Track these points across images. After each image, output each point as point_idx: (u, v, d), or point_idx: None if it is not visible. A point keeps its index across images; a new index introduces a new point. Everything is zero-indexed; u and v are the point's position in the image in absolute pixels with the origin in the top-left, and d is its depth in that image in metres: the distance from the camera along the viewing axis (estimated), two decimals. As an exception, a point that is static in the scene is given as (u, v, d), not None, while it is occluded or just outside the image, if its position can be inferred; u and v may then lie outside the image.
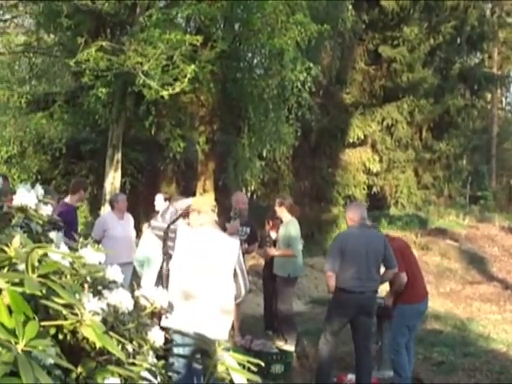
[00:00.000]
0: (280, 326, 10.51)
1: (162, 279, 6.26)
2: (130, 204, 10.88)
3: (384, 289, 9.09)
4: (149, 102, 14.51)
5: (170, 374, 2.51)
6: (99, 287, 2.25)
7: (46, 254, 1.96)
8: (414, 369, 8.59)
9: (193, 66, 13.12)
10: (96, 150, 18.88)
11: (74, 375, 1.87)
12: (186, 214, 6.21)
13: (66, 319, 1.85)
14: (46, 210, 2.54)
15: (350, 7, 19.19)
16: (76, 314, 1.84)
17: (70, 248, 2.34)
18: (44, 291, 1.80)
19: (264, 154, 17.63)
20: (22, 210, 2.42)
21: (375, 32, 25.22)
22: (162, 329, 2.48)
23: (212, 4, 14.68)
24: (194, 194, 17.77)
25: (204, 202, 6.22)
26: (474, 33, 27.02)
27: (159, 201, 9.25)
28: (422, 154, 25.87)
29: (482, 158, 35.15)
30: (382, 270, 8.20)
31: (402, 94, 24.74)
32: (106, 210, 14.25)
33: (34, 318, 1.73)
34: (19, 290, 1.74)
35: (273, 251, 10.46)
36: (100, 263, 2.32)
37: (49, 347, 1.70)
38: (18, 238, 1.97)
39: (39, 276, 1.82)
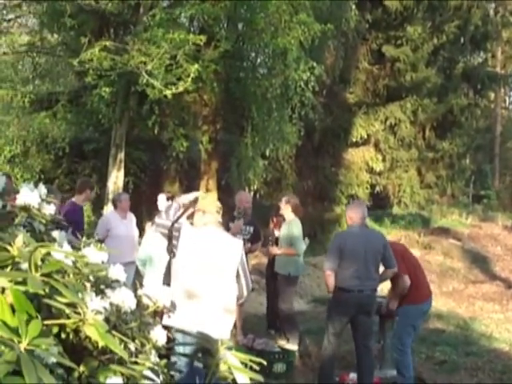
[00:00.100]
0: (282, 325, 10.52)
1: (170, 277, 6.27)
2: (133, 203, 10.88)
3: (385, 287, 9.10)
4: (152, 101, 14.51)
5: (172, 372, 2.51)
6: (102, 286, 2.26)
7: (48, 253, 1.97)
8: (416, 368, 8.59)
9: (196, 66, 13.12)
10: (99, 150, 18.88)
11: (76, 374, 1.88)
12: (190, 216, 6.20)
13: (68, 318, 1.86)
14: (49, 210, 2.55)
15: (354, 7, 19.16)
16: (79, 313, 1.85)
17: (74, 247, 2.35)
18: (47, 290, 1.80)
19: (267, 154, 17.64)
20: (25, 209, 2.42)
21: (379, 31, 25.22)
22: (165, 328, 2.49)
23: (215, 4, 14.68)
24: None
25: (209, 202, 6.22)
26: (478, 32, 27.01)
27: (162, 201, 9.25)
28: (425, 154, 25.87)
29: (485, 158, 35.14)
30: (382, 269, 8.24)
31: (406, 94, 24.73)
32: (108, 209, 14.26)
33: (37, 317, 1.73)
34: (22, 288, 1.75)
35: (275, 250, 10.47)
36: (103, 262, 2.33)
37: (51, 346, 1.71)
38: (21, 237, 1.98)
39: (42, 275, 1.83)
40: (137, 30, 14.43)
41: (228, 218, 9.83)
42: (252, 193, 16.93)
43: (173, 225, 5.93)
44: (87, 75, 13.46)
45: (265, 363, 2.47)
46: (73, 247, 2.33)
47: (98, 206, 16.41)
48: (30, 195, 2.42)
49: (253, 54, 17.58)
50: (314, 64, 15.20)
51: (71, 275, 2.06)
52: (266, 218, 12.13)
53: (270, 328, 10.96)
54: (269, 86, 15.56)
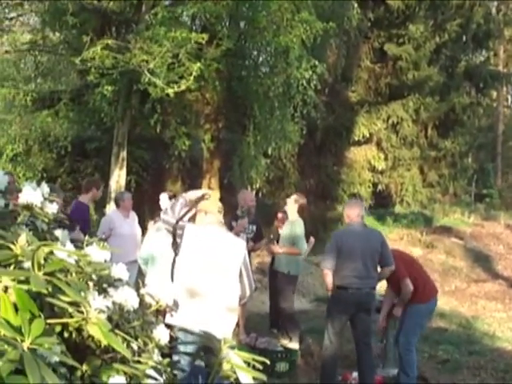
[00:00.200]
0: (283, 324, 10.52)
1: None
2: (135, 202, 10.89)
3: (384, 285, 9.10)
4: (154, 99, 14.51)
5: (175, 372, 2.51)
6: (104, 285, 2.26)
7: (51, 252, 1.97)
8: (419, 367, 8.59)
9: (198, 64, 13.12)
10: (101, 148, 18.89)
11: (79, 373, 1.88)
12: (191, 218, 6.19)
13: (71, 317, 1.86)
14: (52, 208, 2.55)
15: (356, 5, 19.17)
16: (82, 312, 1.85)
17: (77, 246, 2.35)
18: (50, 289, 1.80)
19: (269, 152, 17.63)
20: (28, 208, 2.42)
21: (381, 30, 25.20)
22: (167, 326, 2.49)
23: (217, 2, 14.67)
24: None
25: (211, 202, 6.21)
26: (480, 31, 26.98)
27: (164, 199, 9.25)
28: (428, 152, 25.85)
29: (488, 156, 35.10)
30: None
31: (408, 92, 24.71)
32: (111, 208, 14.26)
33: (40, 316, 1.73)
34: (25, 287, 1.74)
35: (277, 248, 10.46)
36: (105, 261, 2.33)
37: (54, 345, 1.71)
38: (24, 236, 1.97)
39: (45, 274, 1.82)
40: (139, 28, 14.44)
41: (231, 216, 9.83)
42: (254, 191, 16.92)
43: (177, 222, 5.92)
44: (89, 74, 13.47)
45: (268, 362, 2.46)
46: (76, 246, 2.33)
47: (100, 204, 16.40)
48: (32, 194, 2.42)
49: (255, 53, 17.59)
50: (316, 62, 15.20)
51: (74, 274, 2.06)
52: (268, 216, 12.13)
53: (272, 327, 10.96)
54: (271, 85, 15.56)
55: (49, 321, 1.77)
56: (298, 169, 23.32)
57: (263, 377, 2.31)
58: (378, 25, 24.94)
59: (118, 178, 15.90)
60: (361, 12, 20.40)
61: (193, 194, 6.35)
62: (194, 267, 5.69)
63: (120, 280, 2.36)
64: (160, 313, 2.75)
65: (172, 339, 2.61)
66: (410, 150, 25.31)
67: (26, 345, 1.61)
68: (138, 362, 2.09)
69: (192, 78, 13.03)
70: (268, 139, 16.86)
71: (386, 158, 24.64)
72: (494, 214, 26.14)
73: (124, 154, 16.16)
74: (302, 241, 10.23)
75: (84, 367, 1.90)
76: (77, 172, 19.69)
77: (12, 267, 1.88)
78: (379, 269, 8.15)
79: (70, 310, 1.83)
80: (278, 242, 10.61)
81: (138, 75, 13.29)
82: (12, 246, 1.92)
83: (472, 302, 14.63)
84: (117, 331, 1.99)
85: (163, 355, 2.41)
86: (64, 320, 1.86)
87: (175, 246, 5.98)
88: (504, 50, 35.94)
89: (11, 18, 17.75)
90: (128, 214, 10.35)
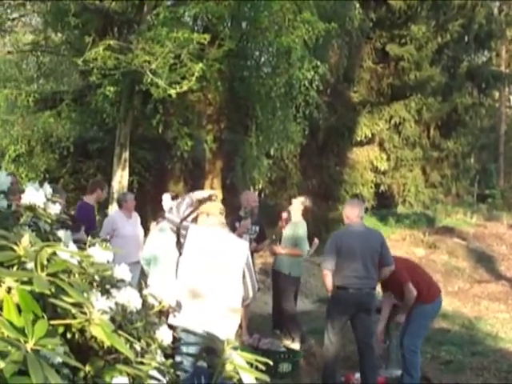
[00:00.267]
0: (285, 325, 10.54)
1: None
2: (138, 203, 10.90)
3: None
4: (156, 100, 14.52)
5: (178, 372, 2.51)
6: (107, 286, 2.25)
7: (54, 253, 1.96)
8: (422, 368, 8.59)
9: (200, 65, 13.13)
10: (104, 149, 18.90)
11: (82, 374, 1.88)
12: (193, 220, 6.19)
13: (74, 318, 1.85)
14: (55, 209, 2.54)
15: (358, 6, 19.20)
16: (85, 313, 1.84)
17: (80, 247, 2.34)
18: (53, 290, 1.80)
19: (272, 153, 17.65)
20: (31, 208, 2.42)
21: (383, 30, 25.20)
22: (170, 327, 2.48)
23: (219, 2, 14.67)
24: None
25: (212, 204, 6.22)
26: (482, 31, 26.96)
27: (166, 200, 9.26)
28: (430, 153, 25.84)
29: (490, 157, 35.09)
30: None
31: (410, 93, 24.71)
32: (113, 208, 14.27)
33: (43, 317, 1.73)
34: (28, 288, 1.74)
35: (279, 249, 10.48)
36: (108, 262, 2.33)
37: (57, 346, 1.71)
38: (27, 237, 1.97)
39: (48, 275, 1.82)
40: (141, 28, 14.44)
41: (234, 217, 9.84)
42: (257, 192, 16.92)
43: (181, 222, 5.92)
44: (91, 74, 13.48)
45: (271, 363, 2.46)
46: (78, 247, 2.33)
47: (102, 205, 16.43)
48: (35, 195, 2.41)
49: (257, 53, 17.59)
50: (318, 63, 15.20)
51: (76, 275, 2.06)
52: (270, 217, 12.13)
53: (275, 328, 10.96)
54: (273, 85, 15.56)
55: (52, 322, 1.77)
56: (300, 169, 23.32)
57: (266, 377, 2.30)
58: (379, 25, 24.94)
59: (121, 178, 15.91)
60: (363, 12, 20.40)
61: (199, 194, 6.35)
62: (197, 268, 5.69)
63: (123, 281, 2.36)
64: (163, 313, 2.75)
65: (175, 340, 2.60)
66: (413, 151, 25.30)
67: (29, 346, 1.60)
68: (141, 362, 2.09)
69: (194, 78, 13.03)
70: (270, 140, 16.87)
71: (388, 159, 24.64)
72: (497, 215, 26.14)
73: (126, 154, 16.17)
74: (304, 242, 10.25)
75: (87, 368, 1.90)
76: (79, 173, 19.71)
77: (15, 268, 1.88)
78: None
79: (73, 310, 1.83)
80: (280, 242, 10.62)
81: (140, 76, 13.30)
82: (15, 247, 1.91)
83: (475, 303, 14.63)
84: (120, 332, 1.98)
85: (166, 356, 2.41)
86: (67, 321, 1.86)
87: (179, 246, 5.98)
88: (506, 51, 35.91)
89: (13, 19, 17.76)
90: (130, 214, 10.37)
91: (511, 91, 39.07)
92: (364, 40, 24.49)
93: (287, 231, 10.41)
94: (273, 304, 11.09)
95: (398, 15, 24.77)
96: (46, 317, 1.75)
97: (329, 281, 8.05)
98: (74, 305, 1.83)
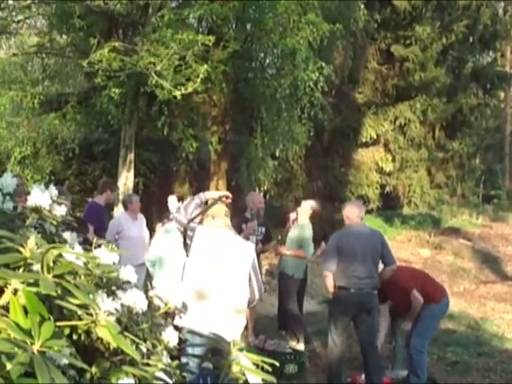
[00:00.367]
0: (290, 325, 10.55)
1: None
2: (143, 204, 10.92)
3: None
4: (161, 102, 14.52)
5: (184, 374, 2.51)
6: (113, 287, 2.26)
7: (60, 255, 1.97)
8: (428, 369, 8.58)
9: (205, 66, 13.13)
10: (109, 151, 18.90)
11: (88, 375, 1.88)
12: (201, 220, 6.18)
13: (80, 319, 1.86)
14: (60, 211, 2.55)
15: (362, 7, 19.14)
16: (91, 315, 1.85)
17: (85, 249, 2.35)
18: (59, 291, 1.80)
19: (277, 154, 17.63)
20: (37, 210, 2.42)
21: (387, 31, 25.16)
22: (176, 329, 2.49)
23: (224, 4, 14.68)
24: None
25: (218, 207, 6.21)
26: (487, 32, 26.91)
27: (172, 202, 9.26)
28: (435, 154, 25.78)
29: (495, 157, 35.04)
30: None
31: (415, 93, 24.67)
32: (118, 210, 14.28)
33: (49, 319, 1.73)
34: (34, 290, 1.74)
35: (284, 250, 10.49)
36: (114, 264, 2.33)
37: (64, 347, 1.71)
38: (33, 239, 1.97)
39: (54, 276, 1.82)
40: (146, 30, 14.44)
41: (240, 219, 9.85)
42: (262, 193, 16.90)
43: (189, 222, 5.91)
44: (96, 76, 13.49)
45: (277, 364, 2.46)
46: (85, 248, 2.33)
47: (107, 207, 16.47)
48: (40, 197, 2.42)
49: (261, 55, 17.57)
50: (323, 64, 15.19)
51: (82, 276, 2.06)
52: (276, 218, 12.12)
53: (280, 329, 10.97)
54: (278, 87, 15.55)
55: (58, 323, 1.77)
56: (305, 170, 23.29)
57: (272, 379, 2.31)
58: (384, 26, 24.90)
59: (126, 180, 15.92)
60: (367, 13, 20.36)
61: (210, 194, 6.34)
62: (203, 269, 5.69)
63: (128, 282, 2.36)
64: (169, 315, 2.75)
65: (181, 341, 2.60)
66: (418, 152, 25.25)
67: (35, 347, 1.61)
68: (147, 364, 2.09)
69: (199, 80, 13.03)
70: (275, 141, 16.86)
71: (393, 160, 24.60)
72: (503, 215, 26.10)
73: (131, 156, 16.18)
74: (309, 245, 10.27)
75: (93, 369, 1.90)
76: (84, 174, 19.73)
77: (21, 270, 1.88)
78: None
79: (79, 312, 1.84)
80: (285, 243, 10.64)
81: (145, 77, 13.30)
82: (21, 249, 1.92)
83: (481, 304, 14.61)
84: (126, 333, 1.99)
85: (172, 357, 2.41)
86: (73, 322, 1.86)
87: (186, 247, 5.98)
88: (511, 51, 35.85)
89: (18, 21, 17.78)
90: (136, 216, 10.39)
91: (516, 91, 39.03)
92: (369, 41, 24.44)
93: (293, 233, 10.41)
94: (278, 305, 11.10)
95: (403, 16, 24.72)
96: (52, 318, 1.75)
97: (330, 282, 8.07)
98: (80, 306, 1.83)
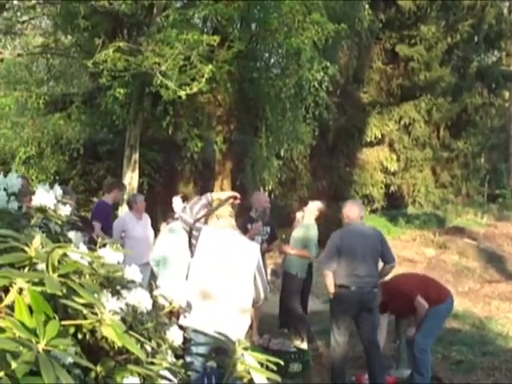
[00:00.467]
0: (294, 325, 10.56)
1: None
2: (148, 204, 10.93)
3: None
4: (166, 102, 14.53)
5: (189, 373, 2.52)
6: (118, 287, 2.26)
7: (65, 254, 1.97)
8: (432, 368, 8.58)
9: (210, 66, 13.14)
10: (113, 151, 18.93)
11: (93, 374, 1.89)
12: (205, 220, 6.17)
13: (85, 319, 1.86)
14: (65, 211, 2.56)
15: (367, 6, 19.12)
16: (96, 314, 1.85)
17: (90, 248, 2.35)
18: (64, 291, 1.81)
19: (281, 154, 17.64)
20: (41, 210, 2.43)
21: (392, 31, 25.12)
22: (181, 328, 2.49)
23: (229, 4, 14.70)
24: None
25: (223, 207, 6.21)
26: (492, 31, 26.86)
27: (177, 203, 9.27)
28: (440, 153, 25.74)
29: (500, 157, 34.94)
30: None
31: (420, 93, 24.63)
32: (123, 210, 14.30)
33: (54, 318, 1.74)
34: (39, 289, 1.75)
35: (288, 249, 10.50)
36: (118, 263, 2.34)
37: (69, 346, 1.72)
38: (38, 238, 1.98)
39: (59, 276, 1.83)
40: (150, 30, 14.46)
41: (245, 219, 9.85)
42: (266, 193, 16.92)
43: (194, 223, 5.91)
44: (101, 76, 13.52)
45: (282, 363, 2.47)
46: (89, 248, 2.34)
47: (112, 206, 16.50)
48: (45, 196, 2.43)
49: (266, 55, 17.59)
50: (328, 64, 15.20)
51: (87, 276, 2.07)
52: (280, 218, 12.12)
53: (282, 327, 10.99)
54: (282, 86, 15.56)
55: (63, 322, 1.78)
56: (310, 170, 23.28)
57: (278, 378, 2.31)
58: (389, 26, 24.87)
59: (131, 180, 15.94)
60: (372, 13, 20.34)
61: (217, 195, 6.33)
62: (208, 269, 5.70)
63: (133, 282, 2.37)
64: (173, 314, 2.75)
65: (185, 341, 2.61)
66: (423, 151, 25.21)
67: (40, 346, 1.61)
68: (152, 363, 2.10)
69: (204, 80, 13.05)
70: (280, 141, 16.87)
71: (398, 159, 24.57)
72: (507, 215, 26.01)
73: (136, 156, 16.20)
74: (314, 246, 10.28)
75: (98, 368, 1.91)
76: (89, 174, 19.77)
77: (26, 269, 1.89)
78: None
79: (84, 311, 1.84)
80: (289, 242, 10.66)
81: (150, 77, 13.32)
82: (26, 249, 1.92)
83: (485, 303, 14.57)
84: (130, 333, 1.99)
85: (177, 356, 2.42)
86: (78, 322, 1.87)
87: (191, 247, 5.98)
88: (516, 50, 35.78)
89: (23, 22, 17.83)
90: (141, 216, 10.41)
91: (521, 91, 38.95)
92: (373, 41, 24.41)
93: (297, 233, 10.42)
94: (280, 303, 11.10)
95: (408, 16, 24.69)
96: (57, 317, 1.76)
97: (330, 281, 8.10)
98: (85, 305, 1.84)
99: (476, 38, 26.88)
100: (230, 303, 5.61)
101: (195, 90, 13.19)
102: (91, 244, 2.52)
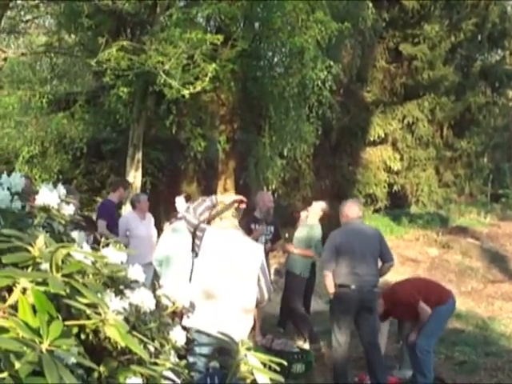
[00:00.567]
0: (296, 325, 10.56)
1: None
2: (151, 204, 10.93)
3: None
4: (169, 101, 14.54)
5: (192, 373, 2.52)
6: (121, 287, 2.26)
7: (69, 254, 1.97)
8: (435, 368, 8.58)
9: (213, 65, 13.14)
10: (117, 150, 18.94)
11: (96, 374, 1.89)
12: (208, 221, 6.15)
13: (89, 319, 1.86)
14: (68, 210, 2.55)
15: (371, 5, 19.09)
16: (99, 314, 1.85)
17: (94, 248, 2.35)
18: (67, 291, 1.81)
19: (285, 153, 17.62)
20: (45, 209, 2.43)
21: (396, 30, 25.10)
22: (184, 328, 2.49)
23: (232, 3, 14.69)
24: (214, 194, 17.78)
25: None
26: (495, 30, 26.80)
27: (180, 203, 9.27)
28: (443, 152, 25.70)
29: (504, 156, 34.89)
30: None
31: (423, 92, 24.60)
32: (126, 209, 14.31)
33: (58, 318, 1.74)
34: (43, 289, 1.75)
35: (292, 248, 10.50)
36: (122, 263, 2.33)
37: (72, 347, 1.71)
38: (42, 238, 1.98)
39: (63, 275, 1.83)
40: (154, 29, 14.46)
41: (249, 219, 9.83)
42: (270, 192, 16.94)
43: (199, 224, 5.90)
44: (105, 75, 13.52)
45: (285, 363, 2.47)
46: (92, 248, 2.34)
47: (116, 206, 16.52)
48: (49, 196, 2.42)
49: (270, 53, 17.58)
50: (331, 63, 15.20)
51: (91, 275, 2.07)
52: (283, 217, 12.11)
53: (279, 326, 10.99)
54: (286, 85, 15.56)
55: (66, 322, 1.78)
56: (313, 169, 23.26)
57: (281, 378, 2.31)
58: (392, 25, 24.85)
59: (134, 179, 15.94)
60: (376, 12, 20.31)
61: (222, 198, 6.30)
62: (212, 269, 5.70)
63: (136, 281, 2.37)
64: (176, 314, 2.75)
65: (188, 341, 2.61)
66: (426, 150, 25.19)
67: (44, 346, 1.61)
68: (155, 363, 2.10)
69: (207, 79, 13.05)
70: (283, 140, 16.86)
71: (401, 159, 24.55)
72: (511, 214, 26.02)
73: (139, 155, 16.20)
74: (320, 245, 10.27)
75: (101, 368, 1.90)
76: (92, 174, 19.79)
77: (30, 269, 1.89)
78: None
79: (88, 311, 1.84)
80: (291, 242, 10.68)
81: (154, 76, 13.32)
82: (30, 248, 1.92)
83: (488, 303, 14.56)
84: (134, 333, 1.99)
85: (180, 357, 2.42)
86: (81, 322, 1.87)
87: (195, 247, 5.97)
88: (520, 50, 35.73)
89: (27, 21, 17.85)
90: (144, 215, 10.42)
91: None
92: (377, 40, 24.38)
93: (301, 233, 10.44)
94: (281, 303, 11.10)
95: (411, 15, 24.66)
96: (60, 317, 1.76)
97: (330, 281, 8.11)
98: (88, 305, 1.84)
99: (480, 37, 26.83)
100: (234, 303, 5.61)
101: (199, 88, 13.20)
102: (95, 243, 2.52)
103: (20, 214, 2.50)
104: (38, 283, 1.77)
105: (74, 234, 2.57)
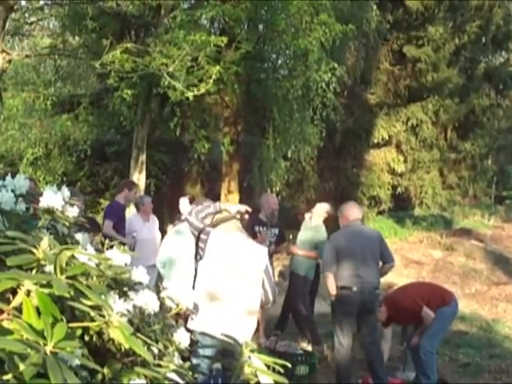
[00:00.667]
0: (300, 326, 10.55)
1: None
2: (155, 206, 10.94)
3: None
4: (173, 103, 14.55)
5: (196, 375, 2.52)
6: (125, 289, 2.27)
7: (73, 256, 1.97)
8: (439, 370, 8.57)
9: (217, 67, 13.16)
10: (121, 152, 18.96)
11: (100, 376, 1.89)
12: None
13: (93, 321, 1.86)
14: (72, 212, 2.56)
15: (375, 7, 19.09)
16: (103, 316, 1.85)
17: (97, 250, 2.36)
18: (71, 293, 1.81)
19: (289, 155, 17.60)
20: (49, 211, 2.43)
21: (400, 32, 25.07)
22: (188, 330, 2.49)
23: (236, 5, 14.70)
24: (218, 196, 17.80)
25: (228, 215, 6.19)
26: (500, 32, 26.78)
27: (184, 204, 9.26)
28: (447, 154, 25.67)
29: (508, 158, 34.82)
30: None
31: (427, 94, 24.57)
32: (130, 211, 14.32)
33: (62, 320, 1.74)
34: (47, 291, 1.75)
35: (296, 249, 10.50)
36: (126, 265, 2.34)
37: (76, 349, 1.72)
38: (46, 240, 1.98)
39: (67, 277, 1.83)
40: (158, 31, 14.48)
41: (253, 221, 9.81)
42: (275, 194, 16.93)
43: (204, 228, 5.89)
44: (109, 77, 13.54)
45: (288, 365, 2.47)
46: (96, 249, 2.34)
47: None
48: (53, 198, 2.43)
49: (274, 56, 17.58)
50: (335, 65, 15.20)
51: (95, 278, 2.07)
52: (287, 219, 12.11)
53: (276, 328, 10.94)
54: (290, 88, 15.56)
55: (70, 324, 1.78)
56: (317, 171, 23.24)
57: (284, 380, 2.31)
58: (396, 27, 24.82)
59: (138, 181, 15.93)
60: (380, 14, 20.32)
61: (226, 206, 6.29)
62: (216, 272, 5.70)
63: (140, 283, 2.37)
64: (180, 316, 2.75)
65: (192, 343, 2.61)
66: (430, 153, 25.15)
67: (48, 348, 1.61)
68: (159, 365, 2.10)
69: (211, 81, 13.06)
70: (287, 142, 16.84)
71: (405, 161, 24.51)
72: (515, 217, 26.00)
73: (143, 157, 16.22)
74: (323, 246, 10.27)
75: (105, 370, 1.91)
76: (96, 176, 19.80)
77: (34, 271, 1.89)
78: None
79: (92, 313, 1.84)
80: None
81: (158, 79, 13.33)
82: (34, 250, 1.93)
83: (492, 305, 14.54)
84: (138, 334, 1.99)
85: (183, 358, 2.42)
86: (85, 324, 1.87)
87: (196, 251, 5.96)
88: (524, 52, 35.68)
89: (31, 23, 17.87)
90: (148, 217, 10.43)
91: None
92: (381, 42, 24.35)
93: (305, 234, 10.42)
94: (283, 305, 11.07)
95: (415, 17, 24.64)
96: (64, 319, 1.76)
97: (331, 284, 8.12)
98: (92, 307, 1.84)
99: (484, 39, 26.80)
100: (238, 306, 5.61)
101: (202, 91, 13.21)
102: (102, 238, 2.53)
103: (24, 216, 2.51)
104: (42, 285, 1.78)
105: (78, 236, 2.57)
